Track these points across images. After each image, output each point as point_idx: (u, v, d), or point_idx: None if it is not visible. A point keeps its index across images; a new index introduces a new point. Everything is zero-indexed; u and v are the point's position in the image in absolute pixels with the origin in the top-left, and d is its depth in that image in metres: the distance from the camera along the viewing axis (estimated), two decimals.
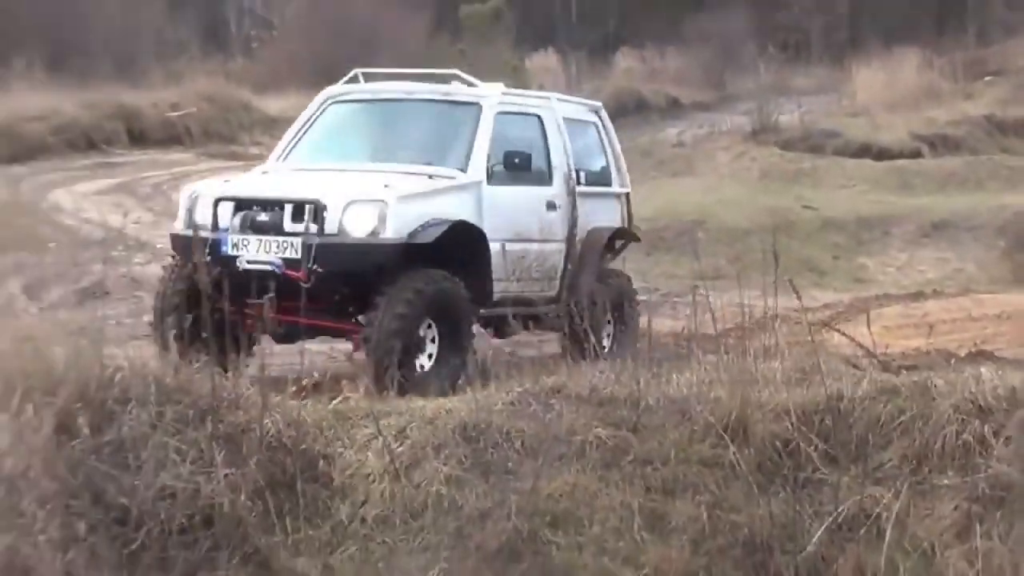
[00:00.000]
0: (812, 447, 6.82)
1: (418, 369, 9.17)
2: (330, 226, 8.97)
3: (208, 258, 8.41)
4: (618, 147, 11.92)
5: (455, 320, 9.44)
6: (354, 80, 11.27)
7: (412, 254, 9.17)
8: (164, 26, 33.23)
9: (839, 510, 6.48)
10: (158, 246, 14.74)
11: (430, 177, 9.91)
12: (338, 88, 11.26)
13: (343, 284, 9.04)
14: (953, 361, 8.51)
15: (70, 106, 23.07)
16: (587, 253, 11.00)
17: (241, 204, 9.50)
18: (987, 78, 29.63)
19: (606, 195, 11.68)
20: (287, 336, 9.08)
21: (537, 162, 10.57)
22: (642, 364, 7.75)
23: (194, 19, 36.25)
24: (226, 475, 6.35)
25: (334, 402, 7.46)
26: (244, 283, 8.69)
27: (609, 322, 11.20)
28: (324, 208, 9.04)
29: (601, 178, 11.66)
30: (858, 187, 20.44)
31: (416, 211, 9.33)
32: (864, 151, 23.55)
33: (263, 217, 9.28)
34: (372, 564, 6.30)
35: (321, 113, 11.02)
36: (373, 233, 9.02)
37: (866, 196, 19.59)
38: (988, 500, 6.41)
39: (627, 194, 11.97)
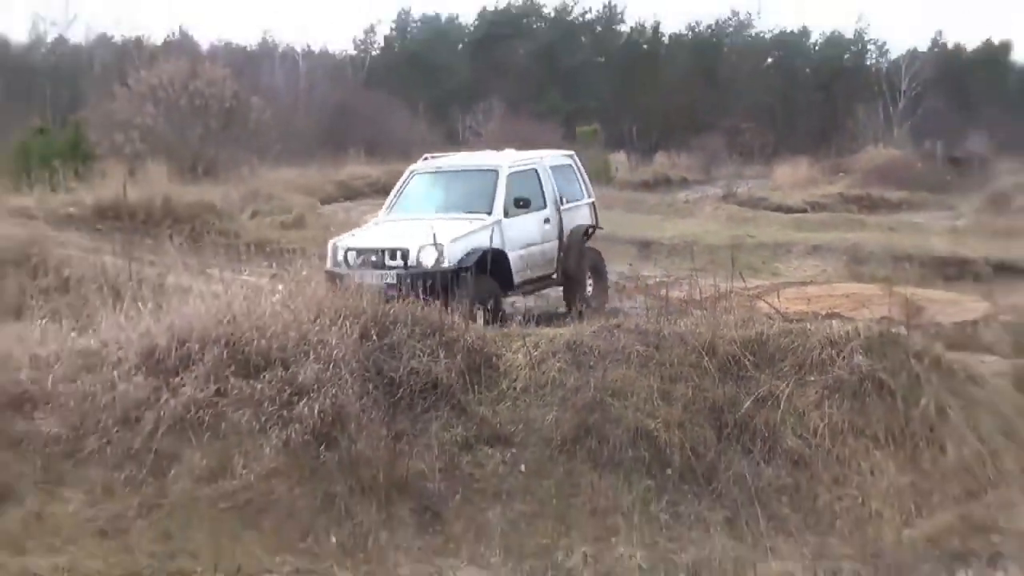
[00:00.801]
0: (747, 359, 9.69)
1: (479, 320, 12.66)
2: (412, 261, 13.71)
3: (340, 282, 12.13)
4: (585, 176, 17.37)
5: (494, 299, 13.84)
6: (428, 159, 16.63)
7: (465, 270, 13.56)
8: (425, 131, 48.30)
9: (759, 391, 9.38)
10: None
11: (470, 221, 14.54)
12: (418, 164, 16.55)
13: (424, 291, 11.34)
14: (820, 317, 11.17)
15: (376, 172, 32.92)
16: (572, 244, 16.06)
17: (359, 251, 14.29)
18: (840, 173, 46.79)
19: (581, 206, 16.80)
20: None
21: (535, 198, 15.48)
22: (662, 314, 10.78)
23: (440, 128, 51.74)
24: (445, 363, 9.61)
25: (502, 328, 10.96)
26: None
27: (589, 279, 16.49)
28: (407, 251, 13.75)
29: (577, 196, 16.78)
30: (776, 227, 29.22)
31: (461, 246, 14.00)
32: (779, 208, 36.22)
33: (373, 259, 14.04)
34: (519, 411, 9.42)
35: (408, 181, 16.20)
36: (437, 263, 13.52)
37: (780, 232, 28.15)
38: (833, 388, 9.40)
39: (592, 203, 17.15)
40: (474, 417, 9.35)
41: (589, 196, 17.27)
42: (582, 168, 17.47)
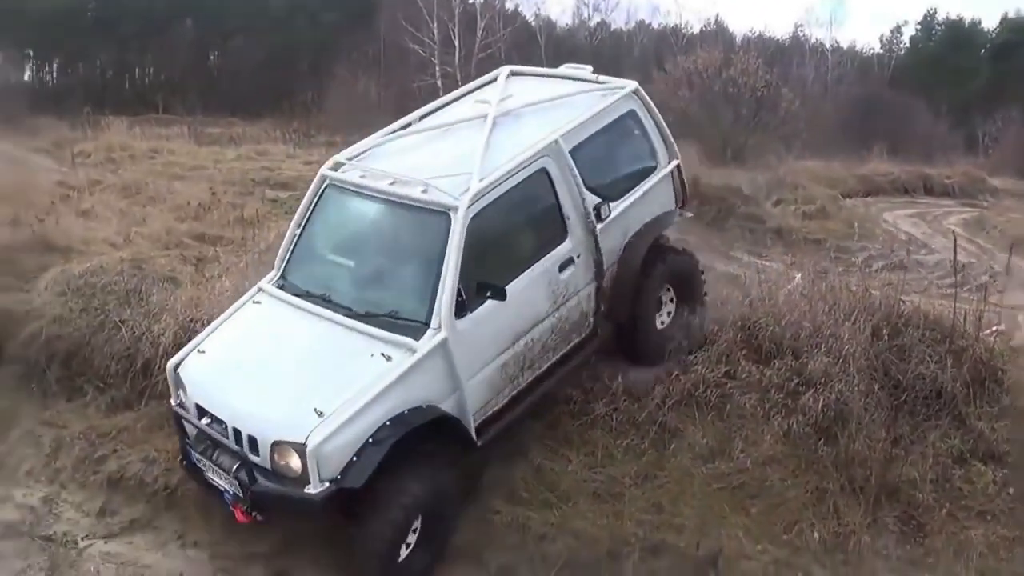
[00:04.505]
0: None
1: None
2: (261, 459, 7.31)
3: None
4: (661, 122, 9.55)
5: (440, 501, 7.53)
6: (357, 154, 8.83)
7: (364, 487, 7.11)
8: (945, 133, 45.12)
9: None
10: (933, 247, 19.05)
11: (382, 356, 7.46)
12: (339, 163, 8.59)
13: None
14: None
15: (897, 171, 29.26)
16: (623, 272, 9.07)
17: (197, 407, 7.88)
18: None
19: (651, 189, 9.43)
20: None
21: (535, 242, 8.46)
22: None
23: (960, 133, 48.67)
24: (951, 372, 8.95)
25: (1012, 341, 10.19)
26: None
27: (672, 300, 9.62)
28: (255, 440, 7.31)
29: (643, 172, 9.45)
30: None
31: (358, 429, 7.17)
32: None
33: (213, 427, 7.68)
34: (1019, 430, 8.78)
35: (317, 203, 8.61)
36: (301, 479, 7.14)
37: None
38: None
39: (677, 167, 9.74)
40: (972, 431, 8.78)
41: (670, 156, 9.72)
42: (653, 110, 9.63)
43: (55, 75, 52.44)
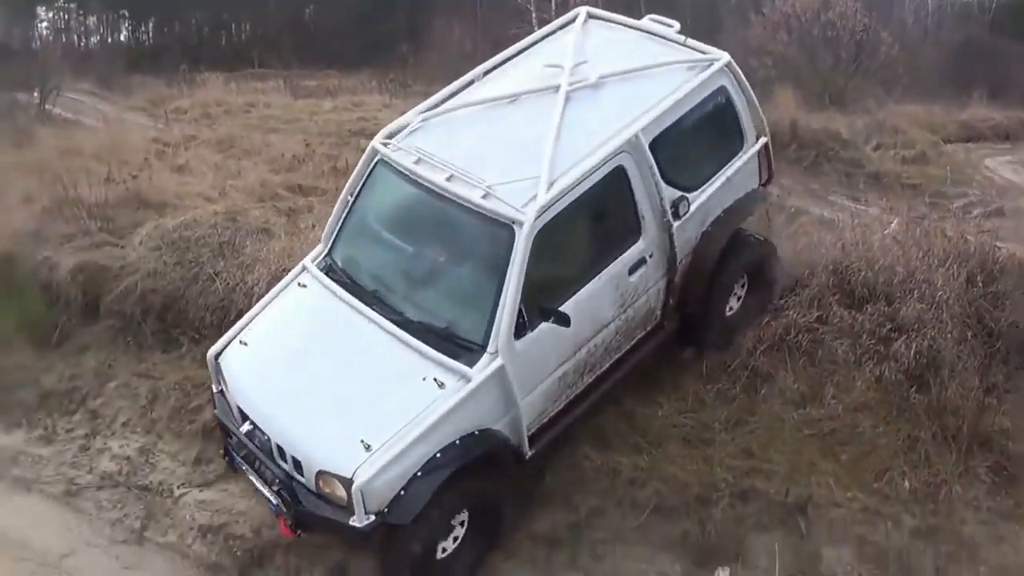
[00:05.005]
0: None
1: None
2: (306, 480, 7.03)
3: None
4: (753, 98, 8.57)
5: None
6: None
7: (411, 523, 6.85)
8: None
9: None
10: None
11: (434, 381, 6.97)
12: (391, 136, 7.90)
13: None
14: None
15: (999, 116, 28.01)
16: (699, 264, 8.30)
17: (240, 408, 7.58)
18: None
19: (736, 173, 8.51)
20: None
21: (606, 248, 7.68)
22: None
23: None
24: None
25: None
26: None
27: (743, 286, 8.90)
28: (299, 462, 7.05)
29: (728, 155, 8.49)
30: None
31: (405, 466, 6.77)
32: None
33: (257, 434, 7.37)
34: None
35: (367, 181, 7.92)
36: (346, 509, 6.88)
37: None
38: None
39: (765, 145, 8.76)
40: None
41: (759, 132, 8.71)
42: (745, 85, 8.53)
43: (151, 34, 52.75)
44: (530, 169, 7.13)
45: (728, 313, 8.78)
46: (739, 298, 8.85)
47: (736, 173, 8.47)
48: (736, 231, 8.52)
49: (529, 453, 7.42)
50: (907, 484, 7.78)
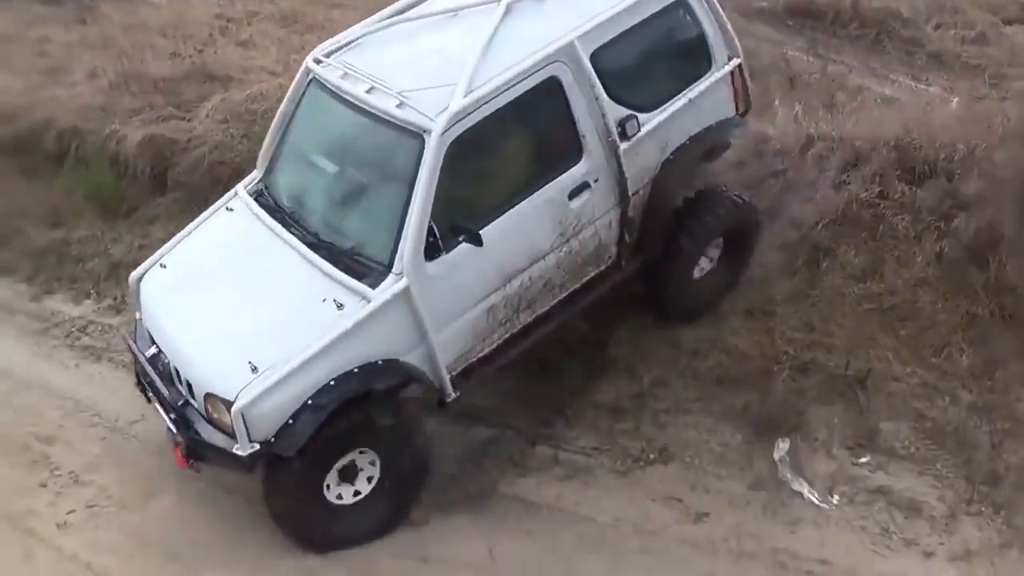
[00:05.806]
0: None
1: None
2: (197, 404, 6.72)
3: None
4: (720, 12, 7.67)
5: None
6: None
7: (296, 453, 6.38)
8: None
9: None
10: None
11: (333, 303, 6.52)
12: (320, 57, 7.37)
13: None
14: None
15: None
16: (658, 197, 7.57)
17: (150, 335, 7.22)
18: None
19: (701, 93, 7.63)
20: None
21: (535, 163, 7.02)
22: None
23: None
24: None
25: None
26: None
27: (718, 249, 8.21)
28: (190, 382, 6.73)
29: (692, 75, 7.63)
30: None
31: (296, 389, 6.30)
32: None
33: (160, 357, 7.07)
34: None
35: (300, 101, 7.46)
36: (232, 433, 6.49)
37: None
38: None
39: (738, 66, 7.82)
40: None
41: (731, 52, 7.81)
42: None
43: None
44: (452, 78, 6.52)
45: (696, 275, 8.06)
46: (711, 260, 8.14)
47: (702, 97, 7.59)
48: (714, 186, 8.04)
49: (453, 395, 6.86)
50: (964, 360, 7.77)
